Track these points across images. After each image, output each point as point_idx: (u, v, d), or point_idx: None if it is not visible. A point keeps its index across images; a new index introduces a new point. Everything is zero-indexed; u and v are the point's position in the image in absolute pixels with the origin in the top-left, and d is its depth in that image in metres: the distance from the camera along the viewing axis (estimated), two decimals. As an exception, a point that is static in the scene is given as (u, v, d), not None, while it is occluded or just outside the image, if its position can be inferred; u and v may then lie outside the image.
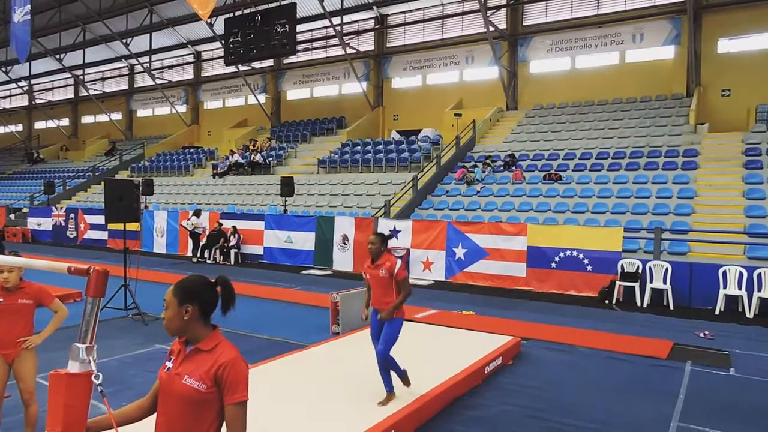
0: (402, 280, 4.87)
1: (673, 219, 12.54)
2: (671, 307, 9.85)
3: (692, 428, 4.77)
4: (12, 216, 24.16)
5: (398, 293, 4.88)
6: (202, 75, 30.27)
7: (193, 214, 16.53)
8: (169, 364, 2.16)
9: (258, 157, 22.69)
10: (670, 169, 14.48)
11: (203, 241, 16.17)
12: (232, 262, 15.61)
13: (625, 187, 14.24)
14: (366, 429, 4.17)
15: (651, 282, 10.14)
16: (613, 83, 19.13)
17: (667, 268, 10.06)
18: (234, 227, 16.04)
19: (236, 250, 15.87)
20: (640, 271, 10.30)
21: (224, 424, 2.11)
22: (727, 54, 17.52)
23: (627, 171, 14.94)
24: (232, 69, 25.60)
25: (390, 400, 4.77)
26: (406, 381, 5.02)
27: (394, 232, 13.19)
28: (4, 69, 34.22)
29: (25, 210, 24.51)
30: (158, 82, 29.63)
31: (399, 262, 4.94)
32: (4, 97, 40.39)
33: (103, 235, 19.55)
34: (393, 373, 4.93)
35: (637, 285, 10.20)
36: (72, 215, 21.00)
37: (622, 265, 10.48)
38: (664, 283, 10.02)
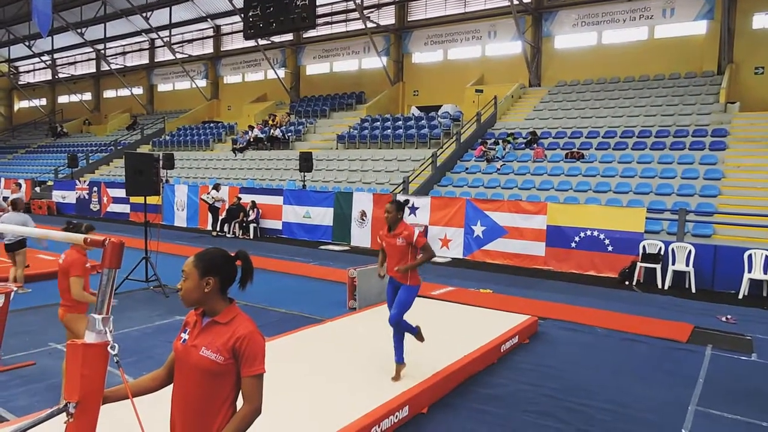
0: (423, 246, 4.86)
1: (699, 200, 12.25)
2: (693, 290, 9.68)
3: (711, 413, 4.71)
4: (37, 189, 24.62)
5: (416, 258, 4.87)
6: (221, 49, 30.18)
7: (213, 188, 16.67)
8: (184, 336, 2.16)
9: (277, 132, 22.69)
10: (697, 149, 14.10)
11: (223, 215, 16.33)
12: (251, 237, 15.74)
13: (650, 166, 13.93)
14: (381, 404, 4.19)
15: (673, 264, 9.96)
16: (641, 59, 18.58)
17: (690, 250, 9.86)
18: (253, 202, 16.14)
19: (255, 225, 15.99)
20: (662, 252, 10.12)
21: (241, 395, 2.12)
22: (762, 30, 16.82)
23: (652, 150, 14.59)
24: (251, 43, 25.44)
25: (400, 371, 4.82)
26: (419, 337, 5.11)
27: (413, 209, 13.14)
28: (27, 43, 34.51)
29: (49, 183, 24.94)
30: (178, 56, 29.64)
31: (417, 230, 4.91)
32: (28, 72, 40.86)
33: (125, 208, 19.84)
34: (404, 344, 4.92)
35: (658, 267, 10.03)
36: (95, 189, 21.32)
37: (643, 246, 10.30)
38: (687, 265, 9.83)
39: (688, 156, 13.88)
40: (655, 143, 14.82)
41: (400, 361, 4.87)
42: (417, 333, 5.08)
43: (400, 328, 4.89)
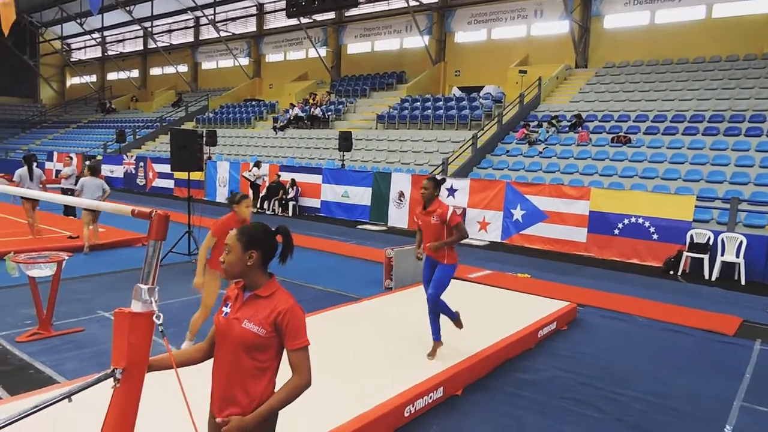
0: (456, 225, 4.78)
1: (753, 189, 11.70)
2: (742, 282, 9.30)
3: (757, 409, 4.54)
4: (87, 162, 25.50)
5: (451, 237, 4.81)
6: (264, 27, 30.35)
7: (254, 166, 16.92)
8: (226, 309, 2.20)
9: (317, 111, 22.77)
10: (753, 135, 13.42)
11: (263, 192, 16.57)
12: (290, 214, 15.95)
13: (702, 153, 13.36)
14: (415, 384, 4.20)
15: (722, 255, 9.58)
16: (697, 40, 17.71)
17: (741, 241, 9.45)
18: (293, 180, 16.31)
19: (294, 203, 16.18)
20: (710, 242, 9.74)
21: (273, 371, 2.16)
22: (831, 8, 15.79)
23: (704, 136, 13.98)
24: (293, 21, 25.51)
25: (437, 348, 4.80)
26: (458, 323, 5.01)
27: (451, 191, 13.03)
28: (78, 21, 35.49)
29: (99, 157, 25.79)
30: (222, 34, 29.97)
31: (451, 208, 4.83)
32: (80, 49, 42.11)
33: (169, 183, 20.38)
34: (441, 323, 4.89)
35: (706, 257, 9.67)
36: (141, 164, 21.95)
37: (691, 236, 9.94)
38: (737, 256, 9.44)
39: (743, 142, 13.24)
40: (707, 128, 14.19)
41: (437, 339, 4.85)
42: (456, 319, 4.97)
43: (438, 308, 4.85)
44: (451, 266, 4.82)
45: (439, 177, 5.29)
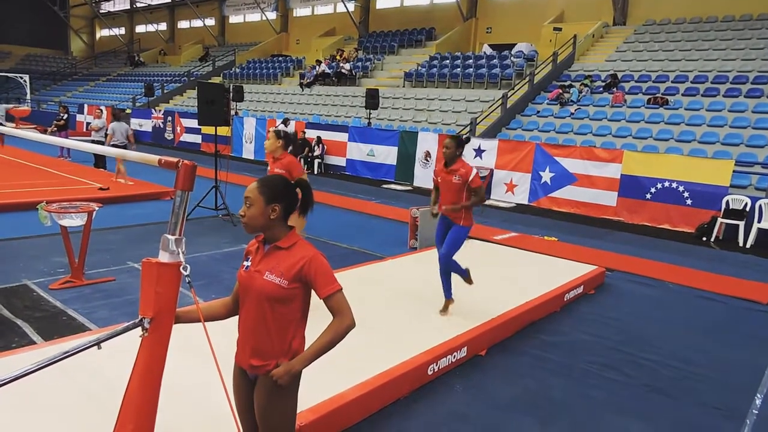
0: (477, 188, 4.72)
1: (796, 155, 11.21)
2: (779, 251, 9.02)
3: (790, 379, 4.43)
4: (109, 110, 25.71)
5: (469, 199, 4.74)
6: (292, -20, 29.68)
7: (282, 123, 16.83)
8: (247, 264, 2.18)
9: (348, 66, 22.39)
10: (800, 97, 12.77)
11: (289, 150, 16.51)
12: (315, 172, 15.93)
13: (743, 116, 12.78)
14: (439, 343, 4.20)
15: (759, 221, 9.27)
16: (745, -4, 16.72)
17: (780, 208, 9.12)
18: (318, 137, 16.21)
19: (320, 160, 16.13)
20: (747, 208, 9.41)
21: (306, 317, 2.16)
22: None
23: (747, 98, 13.34)
24: (322, -27, 24.85)
25: (449, 305, 4.89)
26: (468, 280, 5.07)
27: (478, 152, 12.80)
28: (107, -29, 35.28)
29: (128, 111, 25.98)
30: (249, -14, 29.43)
31: (474, 170, 4.73)
32: (108, 0, 41.94)
33: (197, 138, 20.47)
34: (460, 287, 4.90)
35: (742, 224, 9.36)
36: (169, 118, 22.05)
37: (727, 201, 9.62)
38: (775, 224, 9.13)
39: (789, 106, 12.61)
40: (751, 90, 13.53)
41: (449, 297, 4.93)
42: (466, 276, 5.03)
43: (449, 267, 4.88)
44: (466, 228, 4.81)
45: (464, 136, 5.16)
